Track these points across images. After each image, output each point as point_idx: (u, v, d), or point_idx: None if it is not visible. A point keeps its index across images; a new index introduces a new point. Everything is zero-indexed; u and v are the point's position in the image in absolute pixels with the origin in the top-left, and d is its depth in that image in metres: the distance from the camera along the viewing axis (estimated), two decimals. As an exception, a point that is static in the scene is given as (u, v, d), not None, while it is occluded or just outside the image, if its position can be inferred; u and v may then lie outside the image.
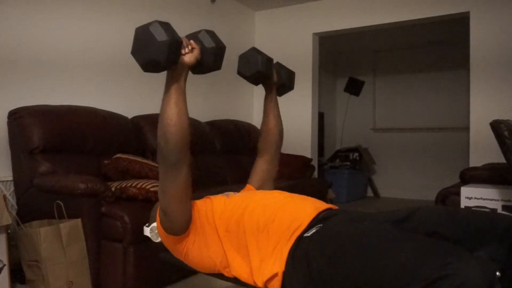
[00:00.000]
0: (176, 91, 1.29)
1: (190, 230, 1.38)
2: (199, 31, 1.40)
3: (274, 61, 1.78)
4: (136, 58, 1.26)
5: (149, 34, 1.21)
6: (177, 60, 1.28)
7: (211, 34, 1.39)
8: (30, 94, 2.68)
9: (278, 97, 1.84)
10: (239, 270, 1.33)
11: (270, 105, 1.79)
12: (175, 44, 1.24)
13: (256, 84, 1.70)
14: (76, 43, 2.99)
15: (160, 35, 1.20)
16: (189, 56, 1.32)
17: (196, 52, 1.34)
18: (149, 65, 1.24)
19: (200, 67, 1.38)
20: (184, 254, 1.41)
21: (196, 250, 1.39)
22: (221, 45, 1.40)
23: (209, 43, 1.37)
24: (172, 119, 1.28)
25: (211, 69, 1.41)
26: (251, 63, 1.60)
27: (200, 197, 1.53)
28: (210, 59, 1.37)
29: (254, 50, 1.63)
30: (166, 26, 1.24)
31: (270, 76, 1.70)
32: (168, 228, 1.38)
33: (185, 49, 1.31)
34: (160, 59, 1.21)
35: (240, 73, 1.65)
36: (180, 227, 1.37)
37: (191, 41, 1.35)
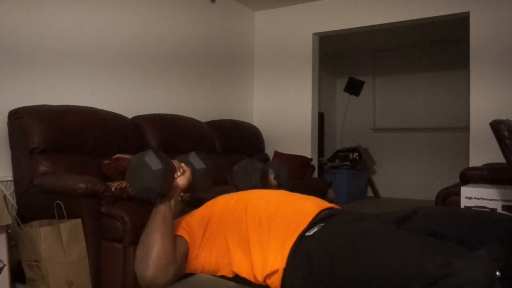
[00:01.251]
0: (165, 211, 1.32)
1: (195, 247, 1.38)
2: (189, 154, 1.48)
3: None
4: (131, 185, 1.32)
5: (144, 164, 1.28)
6: (171, 186, 1.34)
7: (201, 155, 1.47)
8: (30, 93, 2.68)
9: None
10: (240, 265, 1.33)
11: None
12: (169, 173, 1.31)
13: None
14: (76, 43, 2.99)
15: (155, 165, 1.27)
16: (181, 179, 1.39)
17: (188, 174, 1.41)
18: (144, 193, 1.30)
19: (190, 187, 1.45)
20: (188, 270, 1.41)
21: (200, 261, 1.39)
22: (211, 166, 1.48)
23: (199, 164, 1.45)
24: (157, 236, 1.27)
25: (201, 188, 1.48)
26: (246, 179, 1.70)
27: (200, 196, 1.53)
28: (201, 179, 1.45)
29: (249, 165, 1.72)
30: (160, 155, 1.31)
31: (266, 185, 1.76)
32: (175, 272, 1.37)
33: (177, 173, 1.38)
34: (156, 187, 1.27)
35: (236, 185, 1.75)
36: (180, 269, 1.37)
37: (182, 164, 1.41)
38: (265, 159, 4.27)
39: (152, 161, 1.28)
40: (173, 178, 1.35)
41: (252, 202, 1.39)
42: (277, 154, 4.35)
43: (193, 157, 1.46)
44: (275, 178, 1.85)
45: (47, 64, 2.81)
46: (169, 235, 1.28)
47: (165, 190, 1.32)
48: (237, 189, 1.69)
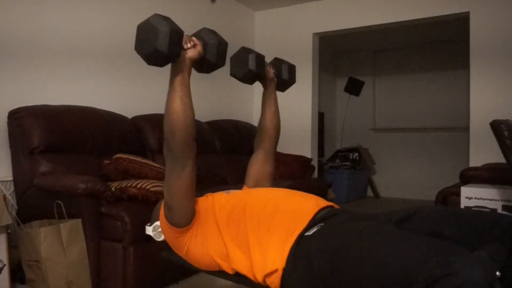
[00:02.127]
0: (181, 85, 1.32)
1: (193, 223, 1.40)
2: (201, 29, 1.41)
3: (273, 57, 1.77)
4: (139, 52, 1.28)
5: (151, 26, 1.24)
6: (180, 50, 1.29)
7: (213, 31, 1.41)
8: (30, 93, 2.68)
9: (283, 93, 1.82)
10: (239, 264, 1.33)
11: (266, 101, 1.78)
12: (176, 34, 1.25)
13: (251, 83, 1.70)
14: (76, 41, 2.99)
15: (162, 26, 1.23)
16: (192, 51, 1.34)
17: (199, 47, 1.36)
18: (152, 56, 1.26)
19: (203, 63, 1.40)
20: (186, 250, 1.42)
21: (198, 245, 1.39)
22: (223, 41, 1.42)
23: (211, 39, 1.38)
24: (179, 113, 1.29)
25: (215, 65, 1.42)
26: (241, 63, 1.60)
27: (200, 195, 1.53)
28: (213, 54, 1.39)
29: (243, 50, 1.63)
30: (166, 18, 1.27)
31: (263, 73, 1.69)
32: (172, 220, 1.40)
33: (187, 44, 1.33)
34: (163, 48, 1.23)
35: (232, 74, 1.65)
36: (184, 220, 1.38)
37: (193, 38, 1.36)
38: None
39: (159, 22, 1.24)
40: (181, 42, 1.29)
41: (251, 202, 1.39)
42: (277, 154, 4.34)
43: (205, 32, 1.40)
44: (275, 74, 1.75)
45: (47, 62, 2.80)
46: (188, 108, 1.32)
47: (173, 52, 1.27)
48: (234, 76, 1.63)
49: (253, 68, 1.59)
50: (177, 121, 1.29)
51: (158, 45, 1.23)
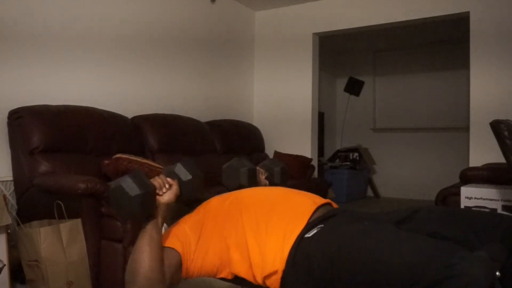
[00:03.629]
0: (151, 229, 1.31)
1: (185, 259, 1.37)
2: (175, 165, 1.44)
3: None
4: (115, 211, 1.33)
5: (122, 191, 1.26)
6: (152, 207, 1.32)
7: (187, 165, 1.44)
8: (30, 93, 2.68)
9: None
10: (238, 266, 1.32)
11: None
12: (147, 196, 1.28)
13: None
14: (75, 38, 2.99)
15: (132, 190, 1.25)
16: (168, 194, 1.36)
17: (175, 188, 1.38)
18: (127, 217, 1.33)
19: (180, 200, 1.43)
20: (186, 275, 1.41)
21: (196, 266, 1.38)
22: (198, 175, 1.45)
23: (185, 176, 1.41)
24: (145, 262, 1.26)
25: (191, 199, 1.46)
26: (233, 177, 1.66)
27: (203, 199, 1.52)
28: (188, 191, 1.42)
29: (236, 163, 1.68)
30: (136, 178, 1.28)
31: (255, 185, 1.71)
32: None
33: (162, 189, 1.35)
34: (135, 212, 1.27)
35: (224, 184, 1.71)
36: (176, 277, 1.36)
37: (168, 179, 1.38)
38: (264, 159, 4.26)
39: (129, 186, 1.25)
40: (154, 200, 1.32)
41: (247, 202, 1.38)
42: (277, 154, 4.34)
43: (179, 168, 1.43)
44: (267, 178, 1.79)
45: (46, 57, 2.80)
46: (155, 255, 1.27)
47: (147, 213, 1.30)
48: (227, 189, 1.67)
49: (244, 183, 1.64)
50: (141, 268, 1.25)
51: (131, 209, 1.26)
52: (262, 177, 1.78)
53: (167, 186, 1.36)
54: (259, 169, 1.79)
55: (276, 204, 1.34)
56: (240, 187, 1.63)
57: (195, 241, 1.38)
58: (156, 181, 1.36)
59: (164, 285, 1.29)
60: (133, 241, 2.11)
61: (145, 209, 1.28)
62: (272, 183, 1.79)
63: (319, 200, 1.39)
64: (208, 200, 1.50)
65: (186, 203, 1.47)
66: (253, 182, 1.67)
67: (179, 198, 1.40)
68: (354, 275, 1.05)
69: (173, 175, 1.41)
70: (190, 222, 1.43)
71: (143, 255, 1.26)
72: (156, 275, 1.26)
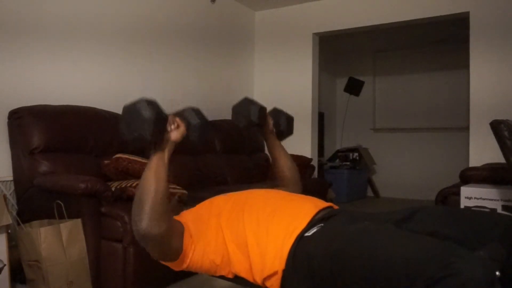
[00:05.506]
0: (157, 162, 1.32)
1: (186, 248, 1.38)
2: (185, 109, 1.46)
3: (272, 106, 1.82)
4: (123, 134, 1.31)
5: (136, 111, 1.26)
6: (162, 136, 1.33)
7: (196, 111, 1.45)
8: (30, 93, 2.68)
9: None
10: (239, 266, 1.33)
11: (275, 153, 1.81)
12: (160, 121, 1.29)
13: (251, 132, 1.75)
14: (75, 34, 2.99)
15: (146, 112, 1.26)
16: (175, 133, 1.37)
17: (182, 128, 1.39)
18: (136, 141, 1.29)
19: (186, 142, 1.43)
20: (186, 266, 1.41)
21: (198, 257, 1.39)
22: (206, 122, 1.46)
23: (194, 119, 1.43)
24: (152, 193, 1.27)
25: (197, 144, 1.47)
26: (244, 114, 1.65)
27: (202, 198, 1.53)
28: (196, 135, 1.43)
29: (246, 101, 1.68)
30: (152, 103, 1.29)
31: (264, 125, 1.73)
32: (165, 260, 1.40)
33: (170, 126, 1.36)
34: (146, 135, 1.26)
35: (234, 123, 1.70)
36: (175, 255, 1.37)
37: (177, 119, 1.39)
38: (264, 159, 4.27)
39: (144, 108, 1.26)
40: (165, 128, 1.33)
41: (249, 203, 1.38)
42: (277, 154, 4.33)
43: (189, 112, 1.44)
44: (274, 125, 1.78)
45: (46, 57, 2.81)
46: (161, 188, 1.28)
47: (157, 138, 1.30)
48: (238, 126, 1.66)
49: (255, 120, 1.64)
50: (146, 198, 1.27)
51: (143, 131, 1.26)
52: (270, 122, 1.77)
53: (175, 124, 1.37)
54: (267, 114, 1.78)
55: (278, 206, 1.35)
56: (250, 124, 1.62)
57: (196, 233, 1.39)
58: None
59: (169, 222, 1.30)
60: (133, 241, 2.12)
61: (155, 134, 1.27)
62: (278, 131, 1.79)
63: (321, 204, 1.39)
64: (212, 198, 1.51)
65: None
66: (262, 120, 1.67)
67: (184, 141, 1.40)
68: (354, 274, 1.05)
69: (181, 118, 1.42)
70: (192, 215, 1.45)
71: (149, 187, 1.27)
72: (162, 208, 1.27)
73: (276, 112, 1.83)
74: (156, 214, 1.25)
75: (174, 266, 1.42)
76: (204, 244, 1.38)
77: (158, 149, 1.33)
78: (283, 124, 1.81)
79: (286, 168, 1.80)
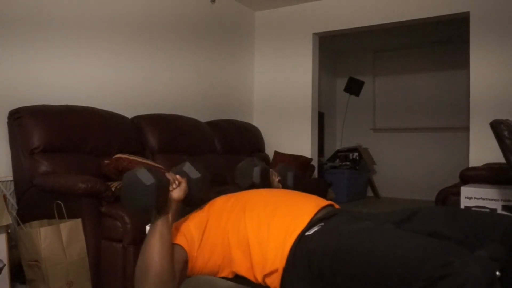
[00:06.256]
0: (163, 224, 1.31)
1: (190, 268, 1.38)
2: (184, 164, 1.45)
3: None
4: (126, 205, 1.31)
5: (136, 181, 1.25)
6: (165, 202, 1.32)
7: (195, 164, 1.45)
8: (30, 93, 2.68)
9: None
10: (240, 265, 1.33)
11: None
12: (162, 187, 1.28)
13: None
14: (75, 38, 2.99)
15: (148, 179, 1.25)
16: (177, 191, 1.35)
17: (184, 185, 1.38)
18: (139, 211, 1.29)
19: (188, 198, 1.42)
20: (191, 273, 1.42)
21: (201, 264, 1.39)
22: (206, 174, 1.46)
23: (194, 174, 1.42)
24: (154, 252, 1.28)
25: (199, 198, 1.46)
26: (246, 176, 1.67)
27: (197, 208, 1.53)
28: (197, 189, 1.43)
29: (249, 162, 1.69)
30: (152, 169, 1.29)
31: (267, 185, 1.73)
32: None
33: (172, 185, 1.35)
34: (149, 203, 1.26)
35: (236, 184, 1.72)
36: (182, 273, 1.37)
37: (177, 176, 1.38)
38: (264, 159, 4.27)
39: (144, 176, 1.25)
40: (168, 192, 1.33)
41: (250, 202, 1.39)
42: (277, 154, 4.34)
43: (188, 167, 1.43)
44: (280, 181, 1.81)
45: (46, 57, 2.81)
46: (166, 254, 1.28)
47: (160, 205, 1.29)
48: (238, 187, 1.68)
49: (257, 182, 1.66)
50: (151, 260, 1.27)
51: (146, 200, 1.25)
52: (276, 179, 1.80)
53: (177, 182, 1.36)
54: (272, 171, 1.81)
55: (279, 205, 1.35)
56: (253, 186, 1.64)
57: (198, 239, 1.39)
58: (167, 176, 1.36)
59: (174, 283, 1.30)
60: (133, 241, 2.12)
61: (158, 201, 1.27)
62: (285, 186, 1.81)
63: (322, 202, 1.40)
64: (213, 200, 1.51)
65: (190, 204, 1.46)
66: (265, 181, 1.69)
67: (186, 198, 1.40)
68: (354, 273, 1.05)
69: (181, 174, 1.41)
70: (195, 220, 1.45)
71: (154, 254, 1.27)
72: (168, 274, 1.27)
73: (283, 170, 1.86)
74: (162, 281, 1.26)
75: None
76: (206, 250, 1.38)
77: (162, 214, 1.32)
78: (290, 181, 1.84)
79: None
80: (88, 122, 2.72)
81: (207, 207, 1.48)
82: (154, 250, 1.27)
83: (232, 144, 3.97)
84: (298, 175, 1.88)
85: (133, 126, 3.11)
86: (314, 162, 4.52)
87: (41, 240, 2.03)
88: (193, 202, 1.45)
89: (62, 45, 2.89)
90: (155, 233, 1.29)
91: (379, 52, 6.53)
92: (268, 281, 1.26)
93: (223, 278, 1.42)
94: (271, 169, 1.82)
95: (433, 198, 2.94)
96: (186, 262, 1.37)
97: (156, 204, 1.27)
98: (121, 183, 2.36)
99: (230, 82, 4.50)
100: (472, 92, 3.74)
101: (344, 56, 6.78)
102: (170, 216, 1.34)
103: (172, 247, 1.32)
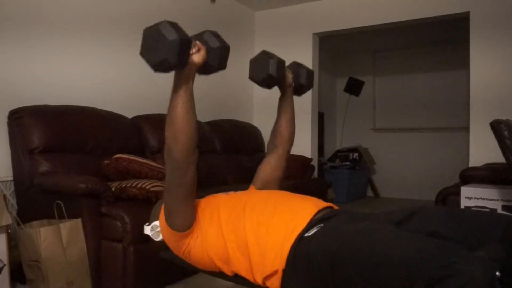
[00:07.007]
0: (185, 91, 1.29)
1: (194, 227, 1.39)
2: (204, 32, 1.39)
3: (292, 61, 1.76)
4: (145, 58, 1.26)
5: (159, 34, 1.20)
6: (187, 59, 1.28)
7: (216, 34, 1.39)
8: (30, 93, 2.68)
9: (298, 97, 1.79)
10: (238, 265, 1.33)
11: (282, 107, 1.77)
12: (185, 43, 1.23)
13: (270, 87, 1.67)
14: (74, 37, 2.99)
15: (170, 34, 1.20)
16: (196, 56, 1.31)
17: (203, 52, 1.34)
18: (160, 65, 1.23)
19: (206, 67, 1.38)
20: (186, 252, 1.41)
21: (198, 247, 1.39)
22: (226, 45, 1.40)
23: (214, 43, 1.37)
24: (183, 119, 1.28)
25: (217, 69, 1.41)
26: (261, 68, 1.58)
27: (200, 196, 1.53)
28: (216, 59, 1.37)
29: (264, 54, 1.61)
30: (175, 25, 1.23)
31: (283, 79, 1.67)
32: (173, 224, 1.39)
33: (192, 49, 1.31)
34: (171, 58, 1.21)
35: (251, 78, 1.63)
36: (184, 225, 1.38)
37: (198, 42, 1.34)
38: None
39: (168, 31, 1.20)
40: (190, 51, 1.27)
41: (250, 203, 1.39)
42: (277, 154, 4.34)
43: (208, 35, 1.37)
44: (293, 79, 1.73)
45: (46, 57, 2.81)
46: (193, 121, 1.30)
47: (182, 61, 1.24)
48: (252, 80, 1.62)
49: (273, 73, 1.57)
50: (180, 128, 1.28)
51: (167, 55, 1.20)
52: (289, 75, 1.72)
53: (196, 48, 1.32)
54: (286, 67, 1.72)
55: (278, 206, 1.35)
56: (268, 77, 1.57)
57: (200, 224, 1.40)
58: None
59: (195, 156, 1.33)
60: (133, 241, 2.12)
61: (180, 58, 1.22)
62: (297, 84, 1.74)
63: (321, 204, 1.40)
64: (215, 195, 1.51)
65: (207, 72, 1.41)
66: (281, 73, 1.61)
67: (204, 66, 1.36)
68: (354, 274, 1.05)
69: (201, 41, 1.36)
70: (200, 206, 1.45)
71: (184, 119, 1.28)
72: (194, 142, 1.31)
73: (296, 66, 1.77)
74: (193, 144, 1.30)
75: (176, 241, 1.41)
76: (204, 240, 1.38)
77: (182, 77, 1.29)
78: (303, 78, 1.75)
79: (286, 121, 1.79)
80: (88, 122, 2.72)
81: (208, 199, 1.49)
82: (180, 112, 1.28)
83: (232, 144, 3.97)
84: (311, 71, 1.79)
85: (133, 126, 3.11)
86: (314, 162, 4.52)
87: (41, 240, 2.03)
88: (210, 71, 1.41)
89: (62, 45, 2.89)
90: (180, 103, 1.29)
91: (379, 52, 6.53)
92: (268, 283, 1.26)
93: (223, 277, 1.42)
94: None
95: (433, 198, 2.94)
96: (195, 207, 1.40)
97: (178, 59, 1.21)
98: (121, 182, 2.37)
99: (230, 82, 4.50)
100: (472, 92, 3.74)
101: (344, 56, 6.78)
102: (191, 83, 1.31)
103: (195, 116, 1.33)
